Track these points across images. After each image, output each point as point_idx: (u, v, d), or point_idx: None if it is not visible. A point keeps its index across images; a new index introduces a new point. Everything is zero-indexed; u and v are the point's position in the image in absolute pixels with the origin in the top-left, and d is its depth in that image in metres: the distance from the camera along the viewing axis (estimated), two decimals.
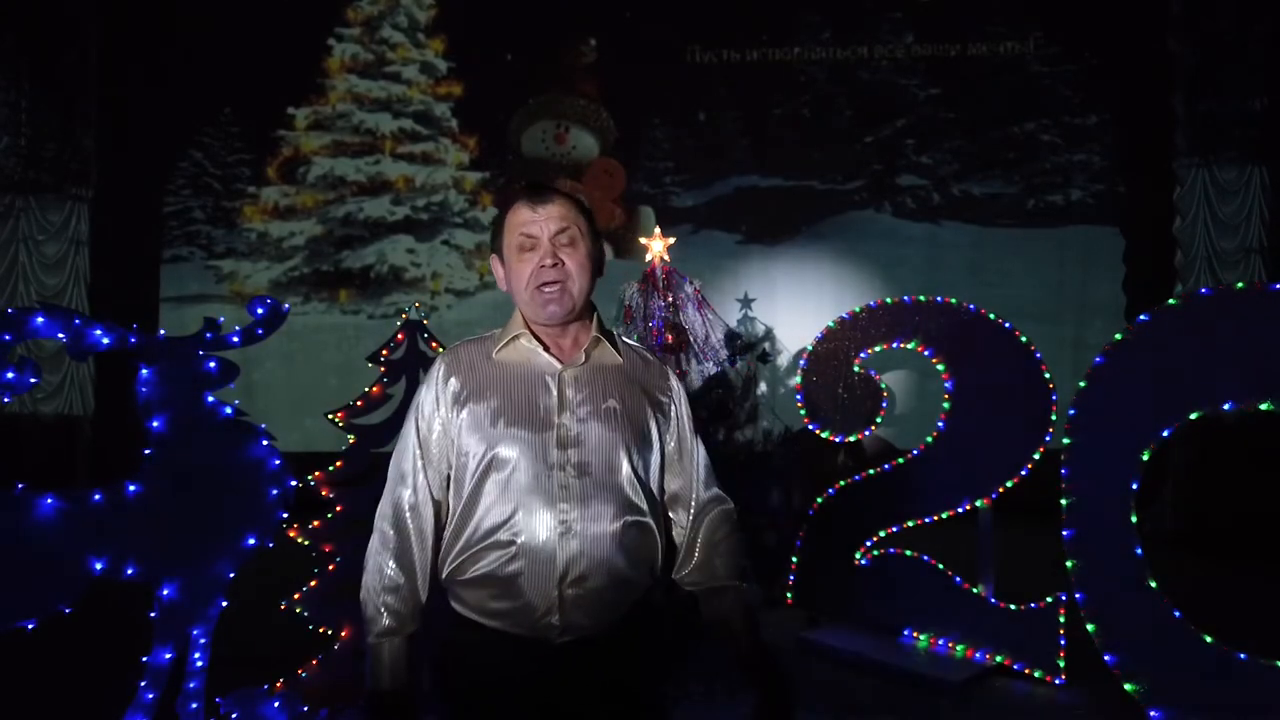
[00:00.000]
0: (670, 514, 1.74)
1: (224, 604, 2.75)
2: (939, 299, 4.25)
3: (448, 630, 1.62)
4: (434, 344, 3.58)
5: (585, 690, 1.54)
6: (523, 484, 1.55)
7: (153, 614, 2.64)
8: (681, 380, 1.81)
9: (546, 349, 1.65)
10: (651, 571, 1.64)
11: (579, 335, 1.68)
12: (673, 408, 1.73)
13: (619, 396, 1.63)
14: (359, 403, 3.51)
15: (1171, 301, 3.44)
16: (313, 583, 3.30)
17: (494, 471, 1.57)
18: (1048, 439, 3.83)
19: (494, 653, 1.55)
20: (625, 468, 1.58)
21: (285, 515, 2.84)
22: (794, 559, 4.66)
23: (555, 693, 1.53)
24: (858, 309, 4.52)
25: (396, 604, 1.60)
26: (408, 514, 1.63)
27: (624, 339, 1.78)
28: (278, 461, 2.81)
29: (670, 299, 5.16)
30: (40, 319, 2.49)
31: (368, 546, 1.66)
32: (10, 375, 2.39)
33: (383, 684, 1.59)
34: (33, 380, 2.43)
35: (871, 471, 4.38)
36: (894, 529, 4.27)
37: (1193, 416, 3.25)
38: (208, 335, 2.73)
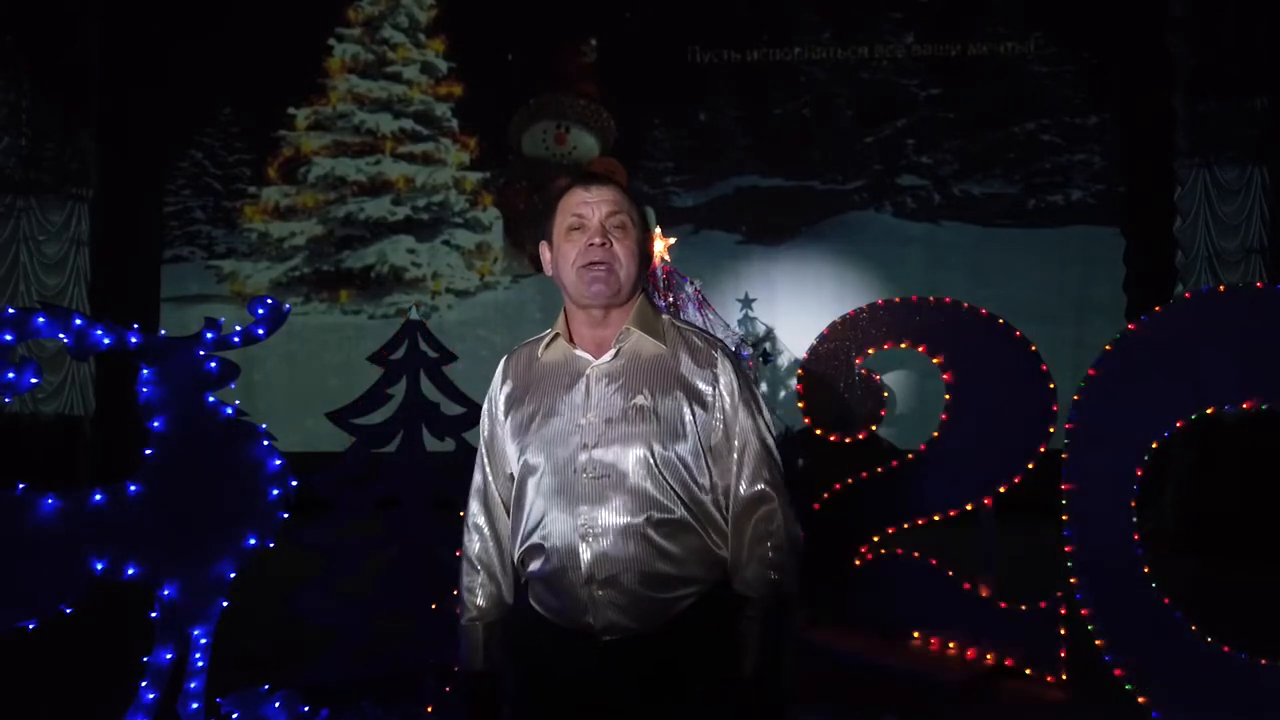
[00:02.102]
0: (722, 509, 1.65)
1: (224, 604, 2.75)
2: (939, 299, 4.25)
3: (521, 621, 1.68)
4: (433, 344, 3.58)
5: (630, 689, 1.54)
6: (548, 488, 1.58)
7: (153, 614, 2.64)
8: (737, 364, 1.70)
9: (576, 345, 1.65)
10: (712, 567, 1.60)
11: (620, 327, 1.65)
12: (716, 397, 1.62)
13: (650, 390, 1.59)
14: (359, 403, 3.52)
15: (1171, 301, 3.44)
16: (313, 583, 3.31)
17: (528, 476, 1.61)
18: (1048, 439, 3.83)
19: (554, 646, 1.60)
20: (651, 465, 1.55)
21: (286, 515, 2.85)
22: None
23: (601, 689, 1.55)
24: (858, 309, 4.52)
25: (476, 598, 1.72)
26: (481, 515, 1.74)
27: (677, 322, 1.72)
28: (278, 461, 2.81)
29: (671, 299, 5.16)
30: (41, 319, 2.49)
31: None
32: (11, 375, 2.39)
33: (474, 665, 1.71)
34: (33, 380, 2.43)
35: (872, 471, 4.38)
36: (894, 529, 4.26)
37: (1193, 416, 3.25)
38: (208, 335, 2.74)
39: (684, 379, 1.62)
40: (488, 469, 1.74)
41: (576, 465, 1.56)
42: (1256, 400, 3.10)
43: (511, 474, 1.69)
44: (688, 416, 1.59)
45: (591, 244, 1.59)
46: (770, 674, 1.58)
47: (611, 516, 1.54)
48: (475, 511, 1.75)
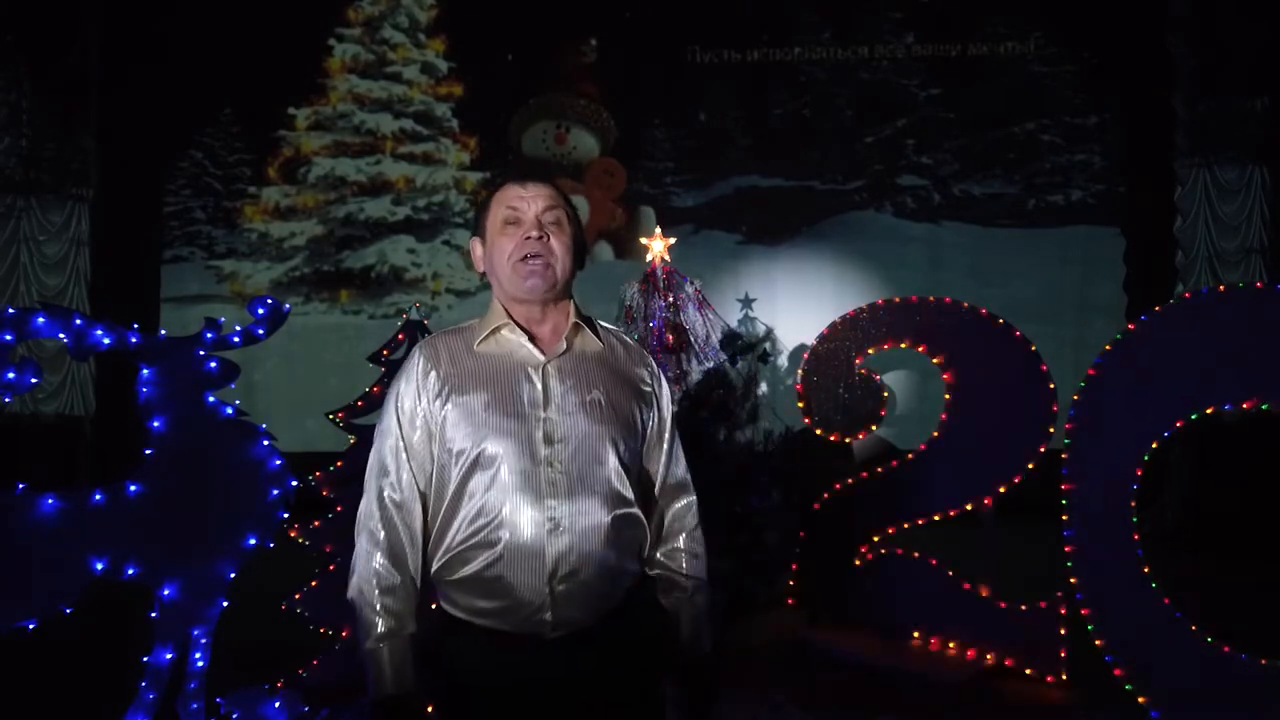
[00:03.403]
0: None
1: (224, 604, 2.75)
2: (939, 299, 4.25)
3: (434, 631, 1.59)
4: None
5: (581, 682, 1.53)
6: (509, 481, 1.52)
7: (153, 614, 2.64)
8: (658, 363, 1.79)
9: (532, 339, 1.62)
10: (641, 559, 1.66)
11: (558, 323, 1.65)
12: (652, 396, 1.71)
13: (603, 387, 1.62)
14: (359, 403, 3.52)
15: (1172, 301, 3.44)
16: (313, 583, 3.31)
17: (480, 468, 1.53)
18: (1048, 439, 3.83)
19: (486, 651, 1.53)
20: (612, 460, 1.57)
21: (286, 515, 2.85)
22: (794, 559, 4.66)
23: (551, 687, 1.52)
24: (858, 309, 4.52)
25: (394, 604, 1.55)
26: (394, 511, 1.58)
27: (601, 323, 1.74)
28: (278, 461, 2.81)
29: (671, 299, 5.16)
30: (41, 319, 2.49)
31: (354, 551, 1.61)
32: (11, 375, 2.39)
33: (387, 690, 1.52)
34: (33, 380, 2.43)
35: (871, 471, 4.38)
36: (894, 529, 4.27)
37: (1193, 416, 3.25)
38: (208, 335, 2.74)
39: (628, 377, 1.68)
40: (406, 463, 1.59)
41: (540, 458, 1.53)
42: (1256, 400, 3.11)
43: (431, 472, 1.59)
44: (637, 413, 1.65)
45: (528, 237, 1.59)
46: (710, 649, 1.67)
47: (581, 511, 1.53)
48: (389, 513, 1.58)
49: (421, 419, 1.59)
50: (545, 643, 1.52)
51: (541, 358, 1.61)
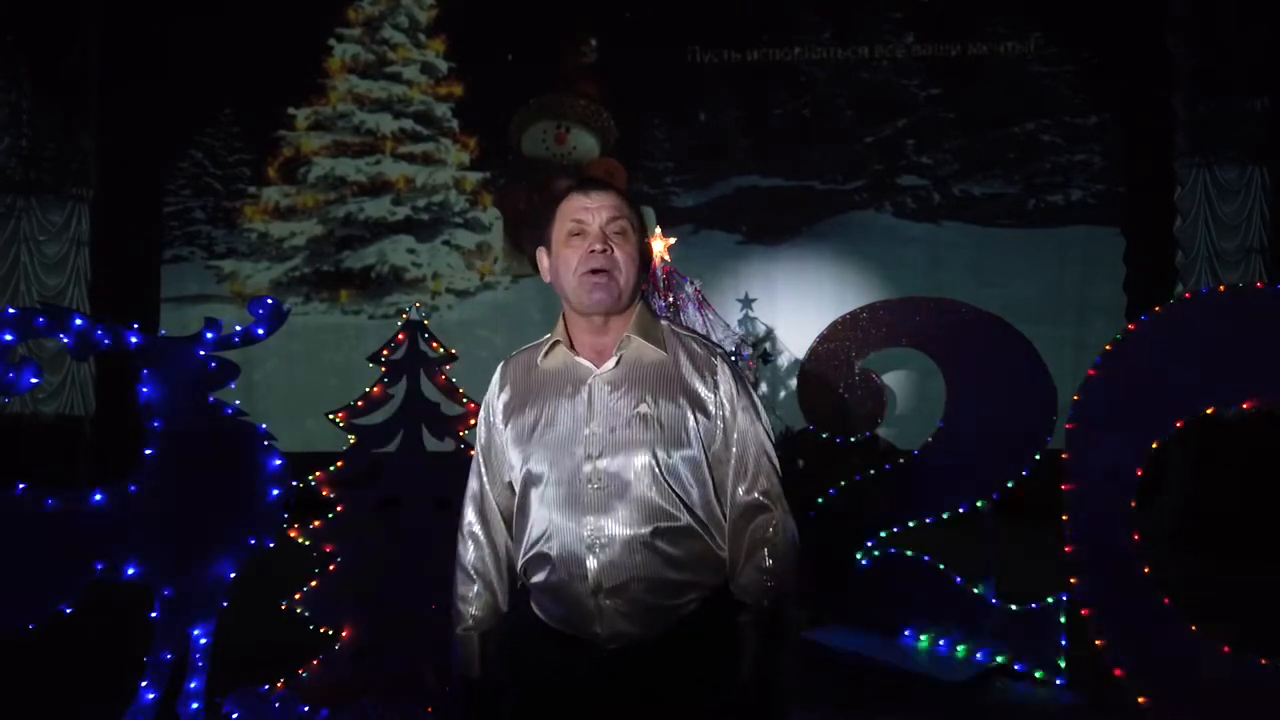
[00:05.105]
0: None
1: (224, 604, 2.75)
2: (939, 299, 4.25)
3: (521, 625, 1.67)
4: (434, 344, 3.57)
5: (632, 698, 1.54)
6: (553, 497, 1.57)
7: (153, 614, 2.64)
8: (735, 369, 1.70)
9: (577, 352, 1.63)
10: (716, 571, 1.61)
11: (619, 334, 1.64)
12: (717, 404, 1.62)
13: (653, 398, 1.59)
14: (359, 403, 3.51)
15: (1172, 301, 3.44)
16: (313, 583, 3.30)
17: (532, 486, 1.60)
18: (1048, 439, 3.83)
19: (552, 652, 1.60)
20: (655, 473, 1.54)
21: (286, 515, 2.85)
22: None
23: (605, 699, 1.54)
24: (858, 309, 4.52)
25: (471, 607, 1.70)
26: (476, 523, 1.72)
27: (675, 329, 1.71)
28: (278, 462, 2.81)
29: (671, 299, 5.17)
30: (41, 319, 2.49)
31: None
32: (11, 375, 2.39)
33: (471, 672, 1.69)
34: (33, 380, 2.43)
35: (871, 471, 4.38)
36: (894, 529, 4.26)
37: (1193, 416, 3.25)
38: (208, 335, 2.74)
39: (686, 385, 1.62)
40: (484, 476, 1.72)
41: (582, 475, 1.56)
42: (1256, 400, 3.10)
43: (509, 482, 1.68)
44: (691, 422, 1.59)
45: (593, 250, 1.58)
46: (768, 679, 1.59)
47: (618, 526, 1.53)
48: (471, 519, 1.73)
49: (496, 436, 1.69)
50: (602, 654, 1.54)
51: (593, 370, 1.62)
